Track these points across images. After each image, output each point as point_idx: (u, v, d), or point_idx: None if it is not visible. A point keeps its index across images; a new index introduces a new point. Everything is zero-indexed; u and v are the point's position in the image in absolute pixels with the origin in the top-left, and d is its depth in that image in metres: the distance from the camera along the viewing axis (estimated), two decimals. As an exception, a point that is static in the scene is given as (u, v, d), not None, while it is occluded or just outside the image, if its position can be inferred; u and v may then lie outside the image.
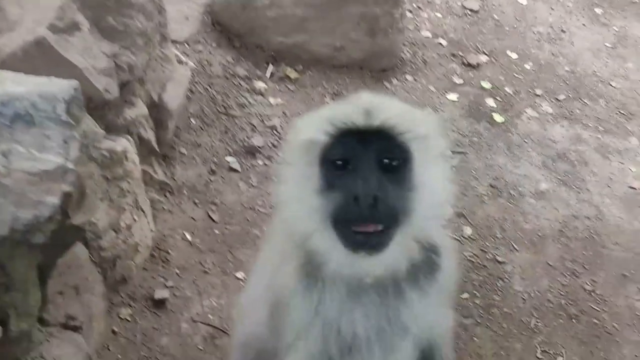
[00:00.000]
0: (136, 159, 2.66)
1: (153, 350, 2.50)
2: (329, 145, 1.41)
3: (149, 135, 2.92)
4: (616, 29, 4.87)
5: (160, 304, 2.62)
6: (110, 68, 2.56)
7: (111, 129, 2.65)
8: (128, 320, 2.55)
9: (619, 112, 4.09)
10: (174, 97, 3.10)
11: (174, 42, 3.53)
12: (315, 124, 1.45)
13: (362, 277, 1.52)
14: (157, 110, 3.01)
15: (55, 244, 1.94)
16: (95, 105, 2.48)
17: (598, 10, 5.07)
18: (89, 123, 2.29)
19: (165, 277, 2.73)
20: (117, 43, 2.63)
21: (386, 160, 1.41)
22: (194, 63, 3.57)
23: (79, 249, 2.33)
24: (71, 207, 1.89)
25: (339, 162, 1.41)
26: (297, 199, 1.48)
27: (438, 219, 1.59)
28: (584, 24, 4.88)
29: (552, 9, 5.00)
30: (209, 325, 2.62)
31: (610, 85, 4.30)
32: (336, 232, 1.43)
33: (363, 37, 3.78)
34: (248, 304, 1.86)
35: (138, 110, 2.79)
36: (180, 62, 3.34)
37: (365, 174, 1.38)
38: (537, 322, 2.84)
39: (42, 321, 2.11)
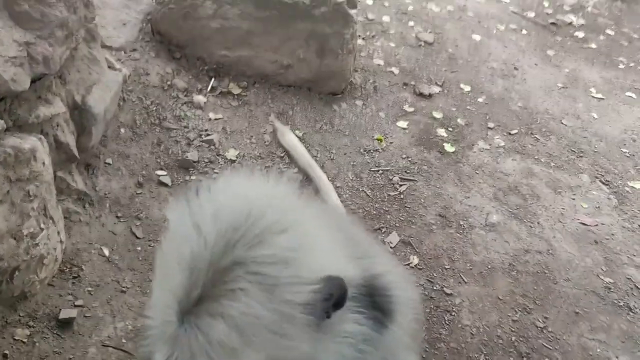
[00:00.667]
0: (47, 160, 2.36)
1: (50, 378, 2.15)
2: None
3: (68, 139, 2.63)
4: (567, 71, 4.88)
5: (65, 324, 2.29)
6: (21, 57, 2.27)
7: (21, 127, 2.35)
8: (24, 342, 2.20)
9: (570, 149, 4.01)
10: (100, 101, 2.83)
11: (108, 47, 3.30)
12: None
13: None
14: (79, 114, 2.73)
15: None
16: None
17: (550, 52, 5.08)
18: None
19: (75, 295, 2.40)
20: (31, 32, 2.35)
21: None
22: (129, 71, 3.32)
23: (-32, 256, 2.00)
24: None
25: None
26: None
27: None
28: (536, 64, 4.87)
29: (505, 46, 4.99)
30: (121, 350, 2.29)
31: (562, 123, 4.24)
32: None
33: (312, 57, 3.61)
34: None
35: (55, 110, 2.50)
36: (111, 67, 3.08)
37: None
38: (486, 358, 2.61)
39: None
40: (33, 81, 2.35)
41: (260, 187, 1.26)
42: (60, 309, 2.33)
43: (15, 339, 2.20)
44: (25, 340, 2.21)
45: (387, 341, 1.36)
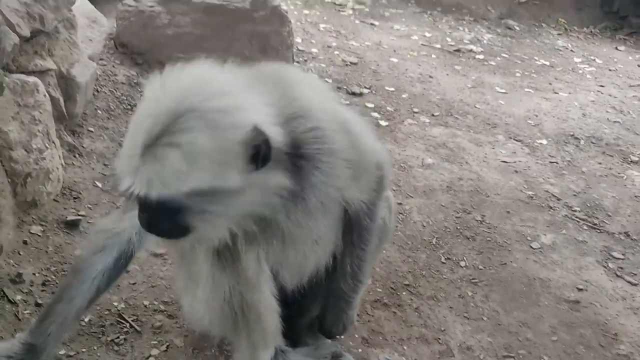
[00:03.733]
0: (48, 96, 2.78)
1: (66, 257, 2.45)
2: None
3: (59, 96, 3.06)
4: (474, 78, 5.68)
5: (72, 226, 2.61)
6: (22, 12, 2.76)
7: (23, 73, 2.78)
8: (39, 235, 2.51)
9: (486, 123, 4.68)
10: (81, 75, 3.28)
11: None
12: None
13: None
14: (65, 82, 3.17)
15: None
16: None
17: (457, 67, 5.90)
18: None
19: (77, 209, 2.74)
20: (29, -4, 2.86)
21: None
22: (99, 73, 3.80)
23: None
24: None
25: None
26: None
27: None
28: (447, 74, 5.65)
29: (419, 65, 5.77)
30: (123, 242, 2.61)
31: (476, 107, 4.94)
32: None
33: (256, 54, 4.21)
34: None
35: (48, 64, 2.95)
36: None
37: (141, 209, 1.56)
38: (438, 240, 3.06)
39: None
40: (32, 36, 2.82)
41: (215, 68, 1.62)
42: (67, 216, 2.65)
43: (31, 233, 2.50)
44: (40, 234, 2.52)
45: (308, 196, 1.67)
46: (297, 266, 1.87)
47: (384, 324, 2.44)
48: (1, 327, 2.06)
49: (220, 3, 4.13)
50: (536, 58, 6.62)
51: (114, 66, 3.97)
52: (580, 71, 6.38)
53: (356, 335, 2.35)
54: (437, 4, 8.08)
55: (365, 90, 4.87)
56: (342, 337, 2.26)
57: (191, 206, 1.48)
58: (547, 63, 6.53)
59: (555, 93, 5.59)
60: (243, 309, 1.77)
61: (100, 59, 3.97)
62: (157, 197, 1.44)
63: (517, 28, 7.67)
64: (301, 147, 1.62)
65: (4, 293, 2.16)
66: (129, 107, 3.70)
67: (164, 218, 1.51)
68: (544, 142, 4.46)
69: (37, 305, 2.19)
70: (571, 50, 7.13)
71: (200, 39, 4.10)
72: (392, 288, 2.66)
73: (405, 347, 2.35)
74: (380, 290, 2.64)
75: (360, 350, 2.29)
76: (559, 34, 7.72)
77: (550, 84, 5.85)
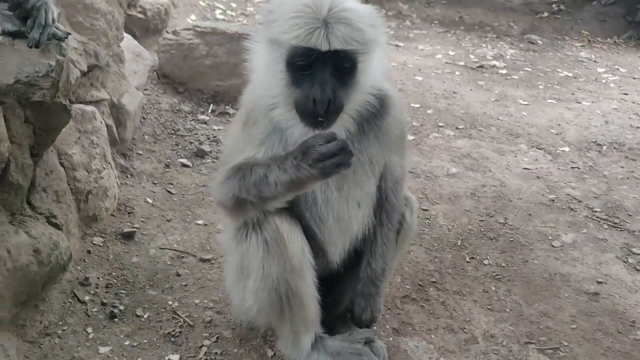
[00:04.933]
0: (104, 123, 3.11)
1: (125, 264, 2.75)
2: (293, 53, 1.81)
3: (112, 123, 3.39)
4: (497, 92, 5.89)
5: (128, 237, 2.91)
6: (80, 49, 3.11)
7: (81, 102, 3.13)
8: (100, 246, 2.81)
9: (509, 134, 4.88)
10: (130, 104, 3.63)
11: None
12: (281, 28, 1.82)
13: None
14: (116, 111, 3.52)
15: (48, 116, 2.33)
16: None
17: (481, 83, 6.12)
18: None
19: (131, 222, 3.05)
20: (85, 36, 3.21)
21: (338, 70, 1.83)
22: (145, 102, 4.15)
23: (59, 170, 2.67)
24: (61, 80, 2.32)
25: (301, 68, 1.82)
26: (267, 85, 1.93)
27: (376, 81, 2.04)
28: (471, 89, 5.87)
29: (443, 82, 6.01)
30: (175, 250, 2.90)
31: (499, 119, 5.15)
32: (298, 115, 1.89)
33: (288, 78, 4.50)
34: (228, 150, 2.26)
35: (102, 95, 3.30)
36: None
37: (322, 81, 1.80)
38: (463, 242, 3.27)
39: (31, 205, 2.40)
40: (89, 70, 3.17)
41: None
42: (123, 229, 2.96)
43: (94, 243, 2.81)
44: (101, 244, 2.82)
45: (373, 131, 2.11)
46: (346, 222, 2.12)
47: (412, 316, 2.66)
48: (74, 323, 2.35)
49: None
50: (559, 70, 6.79)
51: (157, 95, 4.32)
52: (604, 81, 6.53)
53: (387, 326, 2.57)
54: (460, 23, 8.34)
55: (392, 108, 5.12)
56: (374, 327, 2.48)
57: (360, 62, 1.84)
58: (570, 74, 6.69)
59: (578, 103, 5.75)
60: (288, 296, 2.03)
61: (145, 89, 4.32)
62: (352, 49, 1.79)
63: (540, 42, 7.85)
64: (385, 91, 2.06)
65: (75, 294, 2.46)
66: (172, 131, 4.03)
67: (339, 77, 1.82)
68: (566, 149, 4.63)
69: (103, 304, 2.49)
70: (594, 61, 7.28)
71: (235, 67, 4.41)
72: (420, 285, 2.88)
73: (432, 336, 2.56)
74: (409, 287, 2.86)
75: (391, 339, 2.51)
76: (582, 46, 7.88)
77: (573, 94, 6.02)
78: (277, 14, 1.86)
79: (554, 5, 9.63)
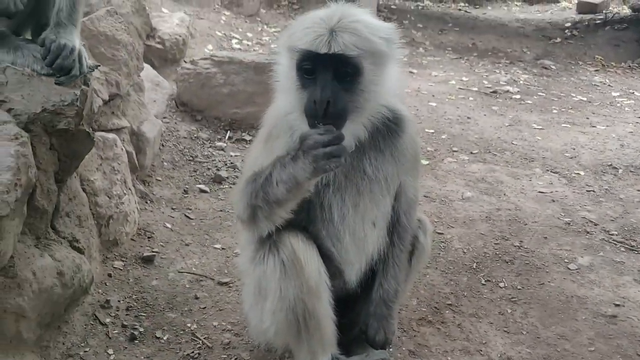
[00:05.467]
0: (125, 150, 3.20)
1: (145, 287, 2.80)
2: (301, 57, 1.94)
3: (132, 150, 3.48)
4: (511, 117, 5.93)
5: (148, 261, 2.97)
6: (102, 79, 3.22)
7: (102, 129, 3.22)
8: (121, 269, 2.87)
9: (523, 158, 4.90)
10: (150, 131, 3.72)
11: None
12: (296, 36, 1.95)
13: None
14: (136, 138, 3.60)
15: (72, 144, 2.41)
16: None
17: (494, 108, 6.17)
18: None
19: (151, 247, 3.11)
20: (106, 66, 3.32)
21: (341, 75, 1.91)
22: (164, 129, 4.25)
23: (81, 195, 2.75)
24: (85, 109, 2.40)
25: (307, 72, 1.93)
26: (285, 90, 2.05)
27: (391, 100, 2.14)
28: (484, 115, 5.92)
29: (457, 107, 6.06)
30: (194, 274, 2.95)
31: (513, 143, 5.18)
32: (306, 119, 1.96)
33: (304, 105, 4.59)
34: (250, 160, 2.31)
35: (123, 123, 3.39)
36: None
37: (324, 83, 1.89)
38: (478, 264, 3.28)
39: (55, 229, 2.47)
40: (110, 98, 3.27)
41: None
42: (143, 253, 3.02)
43: (114, 267, 2.87)
44: (121, 268, 2.88)
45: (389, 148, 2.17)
46: (361, 241, 2.17)
47: (429, 338, 2.67)
48: (96, 344, 2.40)
49: (268, 62, 4.53)
50: (573, 94, 6.83)
51: (176, 123, 4.42)
52: (619, 104, 6.55)
53: (403, 348, 2.59)
54: (473, 50, 8.43)
55: (406, 133, 5.17)
56: (390, 348, 2.50)
57: (366, 70, 1.93)
58: (585, 99, 6.72)
59: (593, 126, 5.77)
60: (305, 316, 2.07)
61: (164, 117, 4.42)
62: (352, 54, 1.87)
63: (554, 67, 7.91)
64: (399, 111, 2.16)
65: (96, 316, 2.51)
66: (190, 158, 4.11)
67: (342, 83, 1.91)
68: (582, 172, 4.65)
69: (123, 326, 2.53)
70: (609, 85, 7.31)
71: (253, 96, 4.52)
72: (435, 307, 2.89)
73: (449, 358, 2.57)
74: (425, 309, 2.87)
75: (407, 360, 2.53)
76: (596, 70, 7.92)
77: (587, 118, 6.04)
78: (295, 26, 2.00)
79: (567, 31, 9.72)
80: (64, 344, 2.34)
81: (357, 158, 2.14)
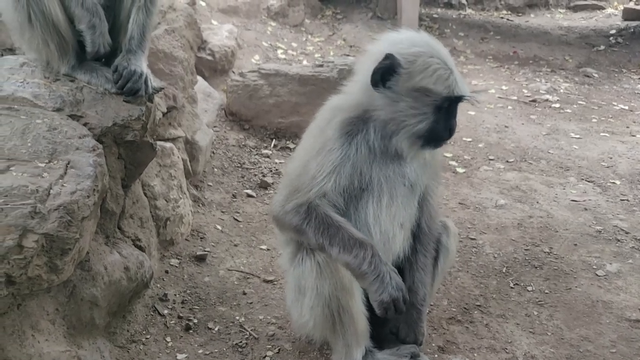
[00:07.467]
0: (180, 157, 3.50)
1: (198, 283, 3.09)
2: (445, 99, 2.28)
3: (186, 157, 3.78)
4: (549, 125, 6.03)
5: (201, 259, 3.26)
6: (161, 93, 3.52)
7: (160, 139, 3.53)
8: (176, 267, 3.17)
9: (559, 167, 5.03)
10: (202, 140, 4.02)
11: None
12: (433, 81, 2.28)
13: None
14: (190, 146, 3.91)
15: (137, 153, 2.72)
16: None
17: (533, 117, 6.28)
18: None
19: (203, 247, 3.40)
20: (164, 80, 3.63)
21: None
22: (214, 138, 4.55)
23: (143, 199, 3.06)
24: (149, 122, 2.71)
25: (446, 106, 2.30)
26: (412, 114, 2.29)
27: None
28: (522, 123, 6.04)
29: (495, 116, 6.20)
30: (242, 272, 3.23)
31: (549, 152, 5.31)
32: (422, 140, 2.30)
33: (345, 115, 4.83)
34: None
35: (179, 133, 3.69)
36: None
37: (455, 116, 2.35)
38: (508, 269, 3.46)
39: (120, 229, 2.78)
40: (168, 111, 3.58)
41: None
42: (196, 252, 3.32)
43: (171, 264, 3.17)
44: (177, 265, 3.18)
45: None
46: (390, 241, 2.42)
47: (457, 336, 2.87)
48: (155, 332, 2.70)
49: (312, 74, 4.82)
50: (614, 103, 6.87)
51: (225, 132, 4.73)
52: (660, 113, 6.57)
53: (433, 344, 2.80)
54: (514, 58, 8.52)
55: (444, 142, 5.36)
56: (420, 345, 2.72)
57: None
58: (626, 107, 6.76)
59: (633, 136, 5.83)
60: (339, 312, 2.31)
61: (214, 126, 4.74)
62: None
63: (596, 75, 7.93)
64: None
65: (156, 308, 2.81)
66: (238, 165, 4.40)
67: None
68: (617, 182, 4.75)
69: (179, 317, 2.83)
70: (651, 94, 7.31)
71: (297, 106, 4.79)
72: (465, 308, 3.10)
73: (475, 355, 2.77)
74: (455, 309, 3.08)
75: (436, 355, 2.74)
76: (639, 78, 7.91)
77: (627, 127, 6.10)
78: (417, 66, 2.31)
79: (611, 39, 9.68)
80: (128, 330, 2.64)
81: (399, 164, 2.39)
